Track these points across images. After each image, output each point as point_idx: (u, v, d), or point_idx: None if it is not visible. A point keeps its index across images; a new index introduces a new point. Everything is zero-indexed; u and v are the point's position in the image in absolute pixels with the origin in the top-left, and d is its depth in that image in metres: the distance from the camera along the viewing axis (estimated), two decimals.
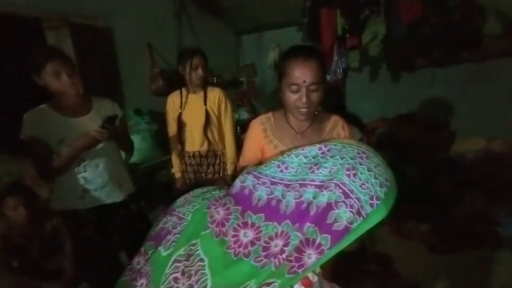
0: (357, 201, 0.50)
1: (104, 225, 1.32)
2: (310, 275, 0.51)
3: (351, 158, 0.58)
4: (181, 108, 1.68)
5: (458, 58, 2.17)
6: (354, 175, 0.53)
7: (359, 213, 0.49)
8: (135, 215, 1.54)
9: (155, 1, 2.63)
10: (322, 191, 0.53)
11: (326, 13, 2.11)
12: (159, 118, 2.68)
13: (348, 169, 0.55)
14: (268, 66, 3.32)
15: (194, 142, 1.73)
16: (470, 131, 2.32)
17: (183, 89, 1.71)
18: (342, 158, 0.60)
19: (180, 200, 0.64)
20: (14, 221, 1.39)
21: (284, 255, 0.49)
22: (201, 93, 1.69)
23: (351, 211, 0.49)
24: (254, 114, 3.24)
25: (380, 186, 0.52)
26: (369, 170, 0.54)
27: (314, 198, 0.53)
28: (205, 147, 1.72)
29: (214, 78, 3.06)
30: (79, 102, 1.19)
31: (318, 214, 0.50)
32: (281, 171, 0.70)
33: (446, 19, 1.85)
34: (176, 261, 0.52)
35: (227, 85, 3.35)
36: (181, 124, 1.70)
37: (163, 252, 0.54)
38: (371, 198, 0.51)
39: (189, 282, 0.49)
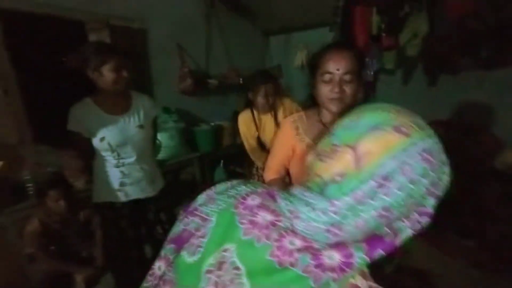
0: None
1: (136, 218, 1.36)
2: (359, 280, 0.44)
3: None
4: (257, 130, 1.71)
5: (509, 59, 1.97)
6: None
7: None
8: (163, 210, 1.57)
9: (186, 3, 2.70)
10: None
11: (360, 12, 2.04)
12: (186, 116, 2.75)
13: None
14: (295, 67, 3.27)
15: None
16: None
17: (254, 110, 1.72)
18: None
19: (202, 197, 0.55)
20: (54, 211, 1.48)
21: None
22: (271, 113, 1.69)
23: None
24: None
25: None
26: None
27: None
28: None
29: (241, 79, 3.07)
30: (121, 98, 1.24)
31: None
32: None
33: (499, 13, 1.67)
34: (207, 271, 0.45)
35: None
36: (262, 145, 1.74)
37: (187, 258, 0.48)
38: None
39: None
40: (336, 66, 0.87)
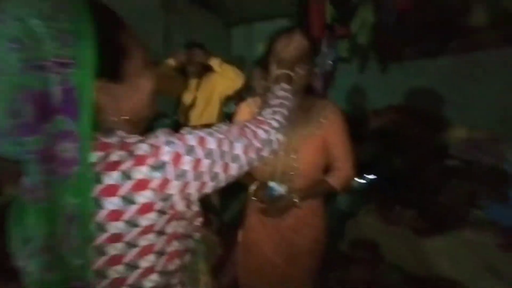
0: None
1: None
2: None
3: None
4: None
5: (446, 49, 2.19)
6: None
7: None
8: None
9: None
10: None
11: (315, 2, 2.10)
12: None
13: None
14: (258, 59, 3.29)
15: None
16: (455, 121, 2.38)
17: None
18: None
19: None
20: None
21: None
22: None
23: None
24: None
25: None
26: None
27: None
28: None
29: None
30: None
31: None
32: None
33: (437, 7, 1.84)
34: None
35: None
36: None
37: None
38: None
39: None
40: (283, 50, 0.89)
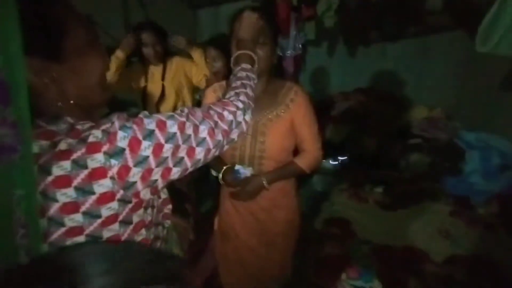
0: None
1: None
2: None
3: None
4: (146, 82, 1.78)
5: (405, 32, 2.29)
6: None
7: None
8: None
9: None
10: None
11: None
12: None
13: None
14: None
15: None
16: (415, 101, 2.54)
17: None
18: None
19: None
20: None
21: None
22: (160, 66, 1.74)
23: None
24: None
25: None
26: None
27: None
28: None
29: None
30: None
31: None
32: None
33: None
34: None
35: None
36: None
37: None
38: None
39: None
40: (243, 28, 0.86)
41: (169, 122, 0.47)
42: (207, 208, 1.92)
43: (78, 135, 0.41)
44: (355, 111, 2.57)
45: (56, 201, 0.39)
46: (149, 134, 0.44)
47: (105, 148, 0.41)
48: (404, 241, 1.33)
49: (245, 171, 1.00)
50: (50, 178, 0.39)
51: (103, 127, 0.42)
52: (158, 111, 1.70)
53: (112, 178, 0.41)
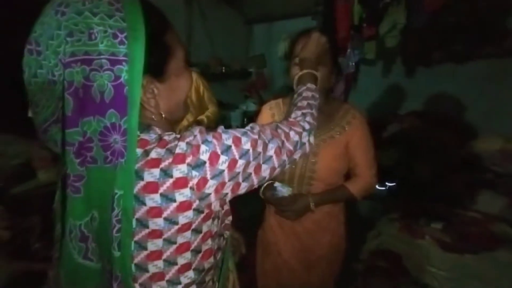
0: None
1: None
2: None
3: None
4: None
5: (478, 53, 2.06)
6: None
7: None
8: None
9: None
10: None
11: (342, 1, 2.03)
12: None
13: None
14: (278, 57, 3.25)
15: None
16: (487, 129, 2.23)
17: None
18: None
19: None
20: None
21: None
22: None
23: None
24: (262, 106, 3.20)
25: None
26: None
27: None
28: None
29: (223, 68, 3.02)
30: None
31: None
32: None
33: (471, 9, 1.73)
34: None
35: (235, 75, 3.29)
36: None
37: None
38: None
39: None
40: (307, 47, 0.87)
41: (243, 139, 0.49)
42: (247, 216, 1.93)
43: (165, 145, 0.44)
44: (408, 135, 2.38)
45: (144, 204, 0.43)
46: (226, 149, 0.46)
47: (188, 159, 0.43)
48: None
49: (282, 190, 0.99)
50: (142, 183, 0.43)
51: (187, 139, 0.45)
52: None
53: (191, 188, 0.44)
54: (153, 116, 0.49)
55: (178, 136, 0.47)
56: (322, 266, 1.13)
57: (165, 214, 0.44)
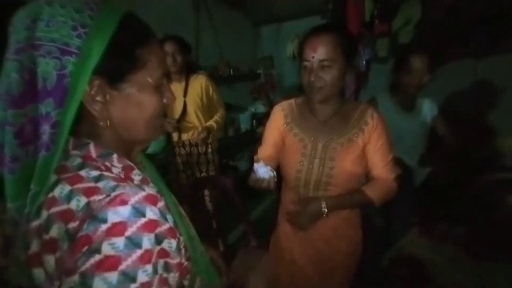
0: None
1: None
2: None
3: None
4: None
5: (501, 47, 1.95)
6: None
7: None
8: None
9: None
10: None
11: None
12: None
13: None
14: (287, 58, 3.21)
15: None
16: (509, 129, 2.12)
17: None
18: None
19: None
20: None
21: None
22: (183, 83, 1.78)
23: None
24: (271, 107, 3.17)
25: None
26: None
27: None
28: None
29: (231, 70, 3.01)
30: None
31: None
32: None
33: (490, 2, 1.64)
34: None
35: (243, 77, 3.28)
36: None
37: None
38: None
39: None
40: (311, 53, 0.84)
41: None
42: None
43: (75, 182, 0.40)
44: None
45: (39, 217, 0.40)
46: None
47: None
48: None
49: (260, 170, 0.88)
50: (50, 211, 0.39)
51: (92, 198, 0.39)
52: (179, 129, 1.81)
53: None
54: (102, 123, 0.45)
55: (101, 173, 0.41)
56: (338, 274, 1.08)
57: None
